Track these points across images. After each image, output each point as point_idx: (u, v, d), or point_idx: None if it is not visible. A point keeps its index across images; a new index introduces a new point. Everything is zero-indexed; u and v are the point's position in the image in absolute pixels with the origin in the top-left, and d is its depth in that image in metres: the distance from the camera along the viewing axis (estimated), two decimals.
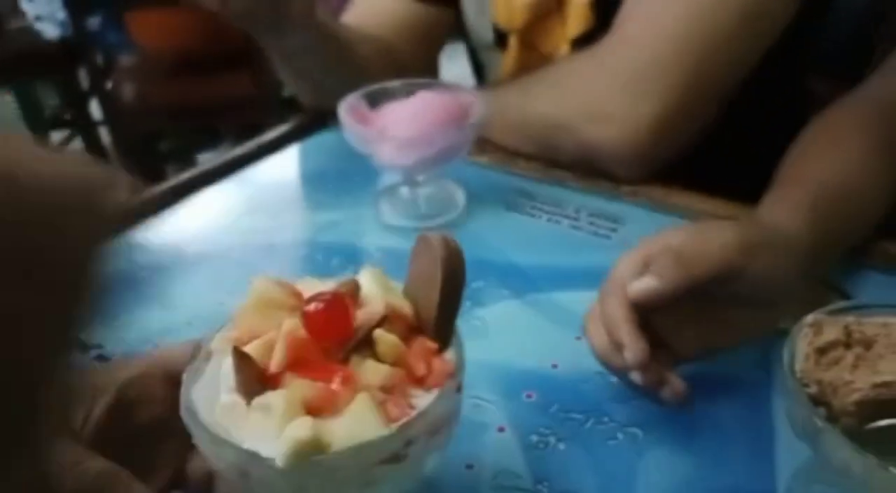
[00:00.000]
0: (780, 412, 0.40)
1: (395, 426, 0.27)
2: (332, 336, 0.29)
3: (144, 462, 0.30)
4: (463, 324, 0.47)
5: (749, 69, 0.61)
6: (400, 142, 0.55)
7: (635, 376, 0.38)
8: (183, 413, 0.28)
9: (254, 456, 0.26)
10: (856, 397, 0.29)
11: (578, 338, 0.46)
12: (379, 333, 0.29)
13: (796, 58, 0.69)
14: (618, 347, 0.38)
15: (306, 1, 0.61)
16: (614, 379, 0.43)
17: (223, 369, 0.29)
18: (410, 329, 0.31)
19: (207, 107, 2.10)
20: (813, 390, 0.30)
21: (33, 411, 0.18)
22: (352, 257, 0.56)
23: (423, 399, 0.28)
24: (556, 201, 0.61)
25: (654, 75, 0.58)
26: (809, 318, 0.32)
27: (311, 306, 0.28)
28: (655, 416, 0.41)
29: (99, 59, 2.17)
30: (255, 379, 0.28)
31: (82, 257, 0.19)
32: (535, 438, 0.40)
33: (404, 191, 0.61)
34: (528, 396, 0.43)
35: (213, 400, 0.29)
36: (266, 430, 0.26)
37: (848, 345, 0.31)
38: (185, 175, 0.67)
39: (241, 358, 0.28)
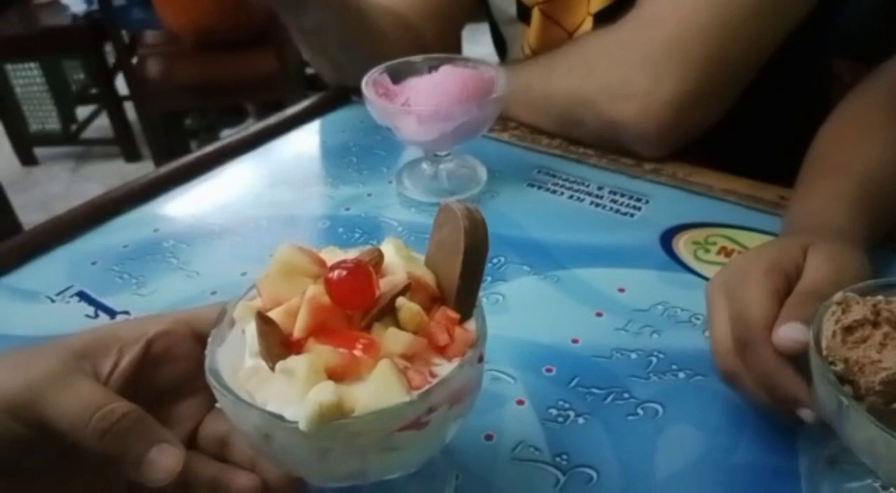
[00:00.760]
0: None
1: (416, 393, 0.27)
2: (355, 303, 0.29)
3: (163, 418, 0.30)
4: (483, 299, 0.48)
5: (772, 50, 0.60)
6: (422, 116, 0.54)
7: (806, 416, 0.34)
8: (207, 376, 0.29)
9: (277, 419, 0.26)
10: (882, 376, 0.29)
11: (599, 314, 0.46)
12: (401, 301, 0.29)
13: (818, 39, 0.67)
14: (776, 394, 0.35)
15: None
16: (634, 355, 0.43)
17: (247, 334, 0.30)
18: (433, 299, 0.31)
19: (231, 84, 2.11)
20: (839, 368, 0.29)
21: None
22: (373, 230, 0.56)
23: (444, 368, 0.28)
24: (578, 178, 0.60)
25: (676, 53, 0.57)
26: (837, 296, 0.31)
27: (335, 273, 0.29)
28: (676, 392, 0.41)
29: (125, 36, 2.18)
30: (278, 344, 0.28)
31: None
32: (554, 411, 0.40)
33: (426, 166, 0.61)
34: (548, 370, 0.43)
35: (236, 364, 0.29)
36: (289, 394, 0.27)
37: (876, 324, 0.30)
38: (208, 148, 0.68)
39: (265, 323, 0.28)
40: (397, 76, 0.59)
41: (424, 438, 0.29)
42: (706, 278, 0.48)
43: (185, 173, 0.64)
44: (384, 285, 0.30)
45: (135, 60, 2.13)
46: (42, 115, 2.53)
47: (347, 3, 0.67)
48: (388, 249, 0.32)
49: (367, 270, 0.29)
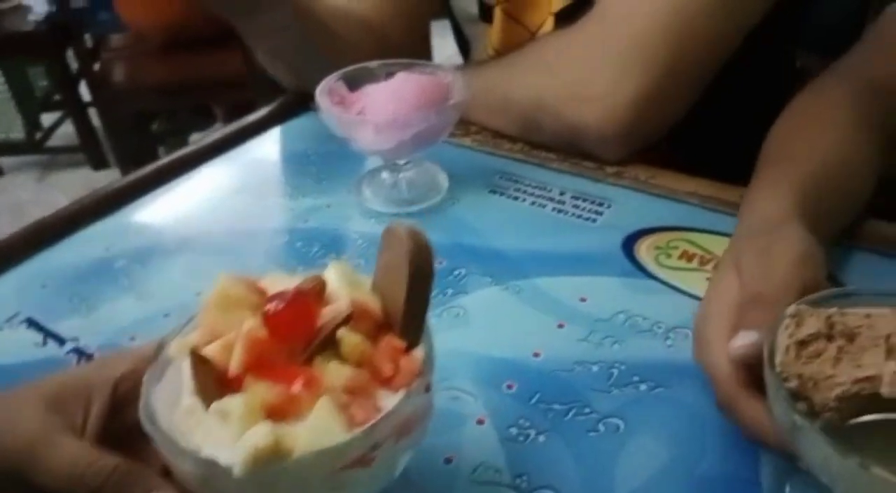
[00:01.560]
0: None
1: (359, 430, 0.26)
2: (294, 337, 0.28)
3: (137, 455, 0.30)
4: (444, 313, 0.47)
5: (733, 48, 0.60)
6: (378, 125, 0.53)
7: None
8: (141, 417, 0.27)
9: (211, 464, 0.25)
10: (837, 391, 0.28)
11: (561, 325, 0.46)
12: (343, 332, 0.28)
13: (784, 34, 0.67)
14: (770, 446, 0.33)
15: None
16: (595, 368, 0.43)
17: (184, 370, 0.28)
18: (378, 327, 0.30)
19: (198, 86, 2.07)
20: (793, 384, 0.29)
21: None
22: (333, 244, 0.55)
23: (390, 400, 0.28)
24: (540, 184, 0.60)
25: (634, 54, 0.57)
26: (791, 309, 0.31)
27: (272, 306, 0.27)
28: (637, 405, 0.40)
29: (88, 40, 2.14)
30: (213, 383, 0.27)
31: None
32: (514, 431, 0.39)
33: (386, 175, 0.60)
34: (509, 386, 0.42)
35: (174, 403, 0.28)
36: (225, 436, 0.25)
37: (830, 337, 0.29)
38: (163, 160, 0.66)
39: (198, 362, 0.27)
40: (354, 83, 0.58)
41: (372, 474, 0.28)
42: (668, 284, 0.48)
43: (139, 188, 0.62)
44: (326, 314, 0.29)
45: (97, 65, 2.09)
46: (6, 123, 2.48)
47: (301, 4, 0.65)
48: (332, 275, 0.31)
49: (305, 301, 0.28)
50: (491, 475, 0.37)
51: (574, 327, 0.45)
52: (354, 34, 0.72)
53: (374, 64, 0.59)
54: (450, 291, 0.49)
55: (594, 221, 0.55)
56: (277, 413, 0.26)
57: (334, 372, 0.27)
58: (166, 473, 0.32)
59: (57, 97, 2.55)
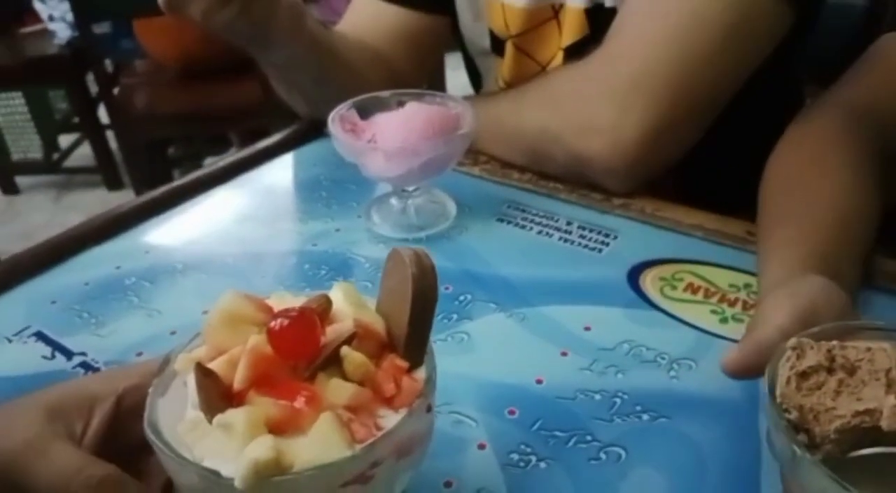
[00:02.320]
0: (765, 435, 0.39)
1: (359, 447, 0.26)
2: (298, 354, 0.28)
3: (138, 471, 0.30)
4: (448, 338, 0.48)
5: (739, 84, 0.61)
6: (388, 153, 0.54)
7: None
8: (145, 429, 0.28)
9: (213, 476, 0.25)
10: (837, 424, 0.28)
11: (564, 354, 0.46)
12: (346, 350, 0.28)
13: (790, 67, 0.68)
14: None
15: (277, 10, 0.60)
16: (598, 397, 0.43)
17: (188, 385, 0.29)
18: (382, 347, 0.30)
19: (215, 114, 2.10)
20: (793, 415, 0.29)
21: None
22: (340, 267, 0.56)
23: (391, 419, 0.28)
24: (548, 213, 0.60)
25: (642, 88, 0.58)
26: (792, 341, 0.31)
27: (277, 323, 0.28)
28: (639, 434, 0.40)
29: (108, 66, 2.18)
30: (217, 397, 0.27)
31: None
32: (515, 456, 0.39)
33: (395, 201, 0.61)
34: (511, 412, 0.42)
35: (177, 416, 0.29)
36: (227, 449, 0.26)
37: (831, 370, 0.30)
38: (177, 183, 0.67)
39: (204, 375, 0.27)
40: (365, 112, 0.59)
41: (371, 492, 0.28)
42: (672, 316, 0.48)
43: (151, 209, 0.63)
44: (330, 333, 0.29)
45: (117, 90, 2.13)
46: (24, 143, 2.52)
47: (317, 39, 0.67)
48: (337, 295, 0.31)
49: (311, 319, 0.29)
50: None
51: (577, 355, 0.46)
52: (367, 67, 0.74)
53: (385, 93, 0.60)
54: (455, 316, 0.49)
55: (600, 251, 0.55)
56: (279, 428, 0.26)
57: (337, 389, 0.27)
58: (168, 490, 0.32)
59: (75, 120, 2.60)
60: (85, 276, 0.56)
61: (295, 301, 0.31)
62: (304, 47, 0.64)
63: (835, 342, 0.31)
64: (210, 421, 0.27)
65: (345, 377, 0.28)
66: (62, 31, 2.31)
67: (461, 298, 0.51)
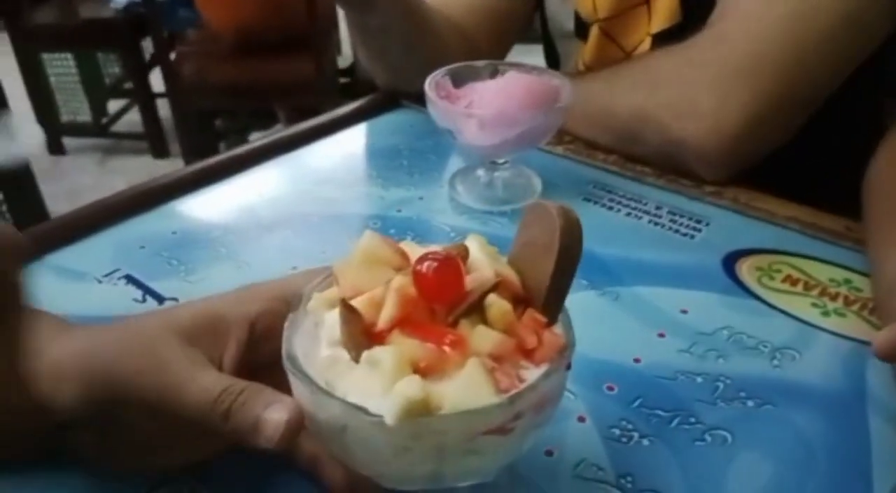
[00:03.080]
0: (876, 428, 0.38)
1: (506, 396, 0.26)
2: (444, 297, 0.27)
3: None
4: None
5: (844, 76, 0.59)
6: (484, 120, 0.53)
7: None
8: (285, 362, 0.27)
9: (359, 411, 0.25)
10: None
11: (661, 335, 0.45)
12: (492, 298, 0.27)
13: (873, 81, 0.66)
14: None
15: None
16: (700, 379, 0.42)
17: (326, 322, 0.28)
18: (517, 300, 0.29)
19: (265, 88, 2.12)
20: None
21: None
22: (426, 234, 0.55)
23: (532, 373, 0.27)
24: (635, 196, 0.59)
25: (747, 75, 0.56)
26: None
27: (423, 266, 0.27)
28: (745, 420, 0.39)
29: (164, 33, 2.20)
30: (362, 334, 0.27)
31: None
32: (617, 431, 0.38)
33: (481, 173, 0.60)
34: (609, 388, 0.41)
35: (309, 354, 0.28)
36: (373, 386, 0.25)
37: None
38: (258, 143, 0.67)
39: (349, 312, 0.27)
40: (458, 80, 0.58)
41: (507, 444, 0.27)
42: (772, 306, 0.47)
43: (234, 167, 0.63)
44: (471, 281, 0.29)
45: (173, 57, 2.15)
46: (74, 105, 2.56)
47: (413, 5, 0.66)
48: (473, 245, 0.31)
49: (456, 263, 0.28)
50: (594, 473, 0.36)
51: (675, 337, 0.45)
52: (451, 39, 0.73)
53: (480, 63, 0.59)
54: None
55: (692, 237, 0.54)
56: (425, 370, 0.26)
57: (482, 336, 0.27)
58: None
59: (125, 85, 2.63)
60: (172, 225, 0.56)
61: (427, 250, 0.30)
62: (400, 14, 0.64)
63: None
64: (355, 358, 0.26)
65: (486, 326, 0.27)
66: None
67: None
